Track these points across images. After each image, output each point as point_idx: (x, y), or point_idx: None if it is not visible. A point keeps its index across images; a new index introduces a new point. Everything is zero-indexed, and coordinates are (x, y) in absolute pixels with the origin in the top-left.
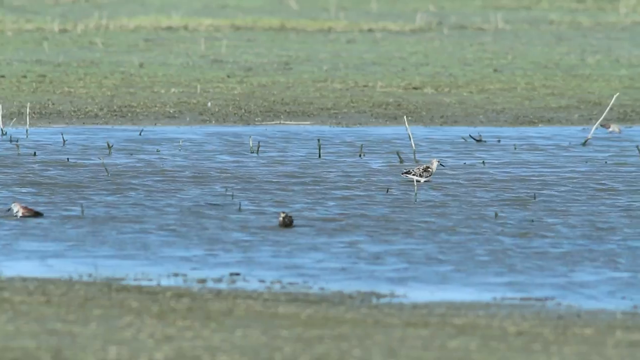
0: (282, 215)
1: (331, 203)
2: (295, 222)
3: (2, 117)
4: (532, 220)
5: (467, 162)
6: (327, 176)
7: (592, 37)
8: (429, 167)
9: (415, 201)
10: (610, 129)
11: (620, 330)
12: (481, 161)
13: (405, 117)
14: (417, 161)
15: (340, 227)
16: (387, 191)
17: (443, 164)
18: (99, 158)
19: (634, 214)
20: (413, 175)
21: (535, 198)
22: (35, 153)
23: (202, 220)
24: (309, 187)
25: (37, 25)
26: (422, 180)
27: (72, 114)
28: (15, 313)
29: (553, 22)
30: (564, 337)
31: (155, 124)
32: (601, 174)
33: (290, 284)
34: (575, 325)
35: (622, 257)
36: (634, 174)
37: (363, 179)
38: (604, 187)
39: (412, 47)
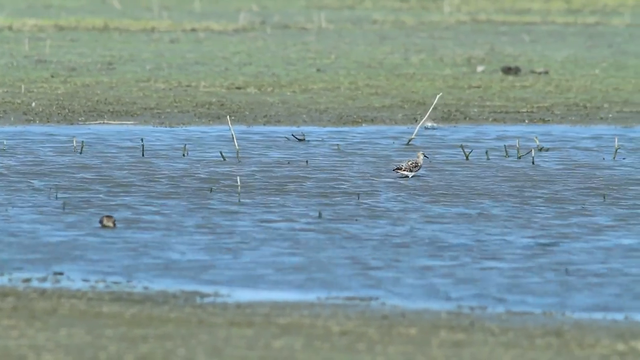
0: (105, 215)
1: (155, 202)
2: (118, 222)
3: None
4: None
5: (291, 161)
6: (151, 175)
7: (416, 36)
8: (417, 162)
9: (240, 202)
10: (430, 125)
11: (445, 330)
12: (305, 160)
13: (228, 116)
14: (240, 160)
15: (166, 226)
16: (211, 190)
17: (427, 156)
18: None
19: (468, 215)
20: (404, 171)
21: (359, 198)
22: None
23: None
24: (132, 187)
25: None
26: (411, 175)
27: None
28: None
29: (376, 21)
30: (388, 337)
31: None
32: (423, 172)
33: (115, 283)
34: (400, 325)
35: (443, 258)
36: (459, 174)
37: (186, 178)
38: (423, 185)
39: (235, 47)
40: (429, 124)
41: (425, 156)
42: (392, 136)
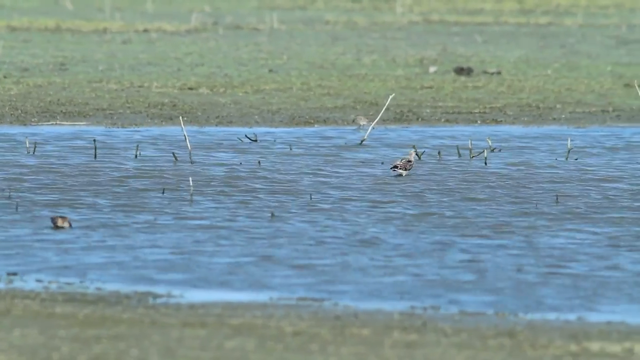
0: (59, 216)
1: (108, 202)
2: (72, 223)
3: None
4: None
5: (243, 162)
6: (103, 176)
7: (368, 37)
8: (410, 160)
9: (192, 203)
10: (362, 123)
11: (398, 330)
12: (257, 161)
13: (180, 117)
14: (192, 160)
15: (119, 227)
16: (164, 191)
17: (418, 153)
18: None
19: (422, 215)
20: (400, 169)
21: (311, 198)
22: None
23: None
24: (85, 187)
25: None
26: (405, 174)
27: None
28: None
29: (329, 22)
30: (341, 338)
31: None
32: (377, 171)
33: (67, 283)
34: (353, 326)
35: (394, 259)
36: (412, 173)
37: (138, 179)
38: (374, 186)
39: (187, 48)
40: (363, 123)
41: (417, 154)
42: (344, 137)
